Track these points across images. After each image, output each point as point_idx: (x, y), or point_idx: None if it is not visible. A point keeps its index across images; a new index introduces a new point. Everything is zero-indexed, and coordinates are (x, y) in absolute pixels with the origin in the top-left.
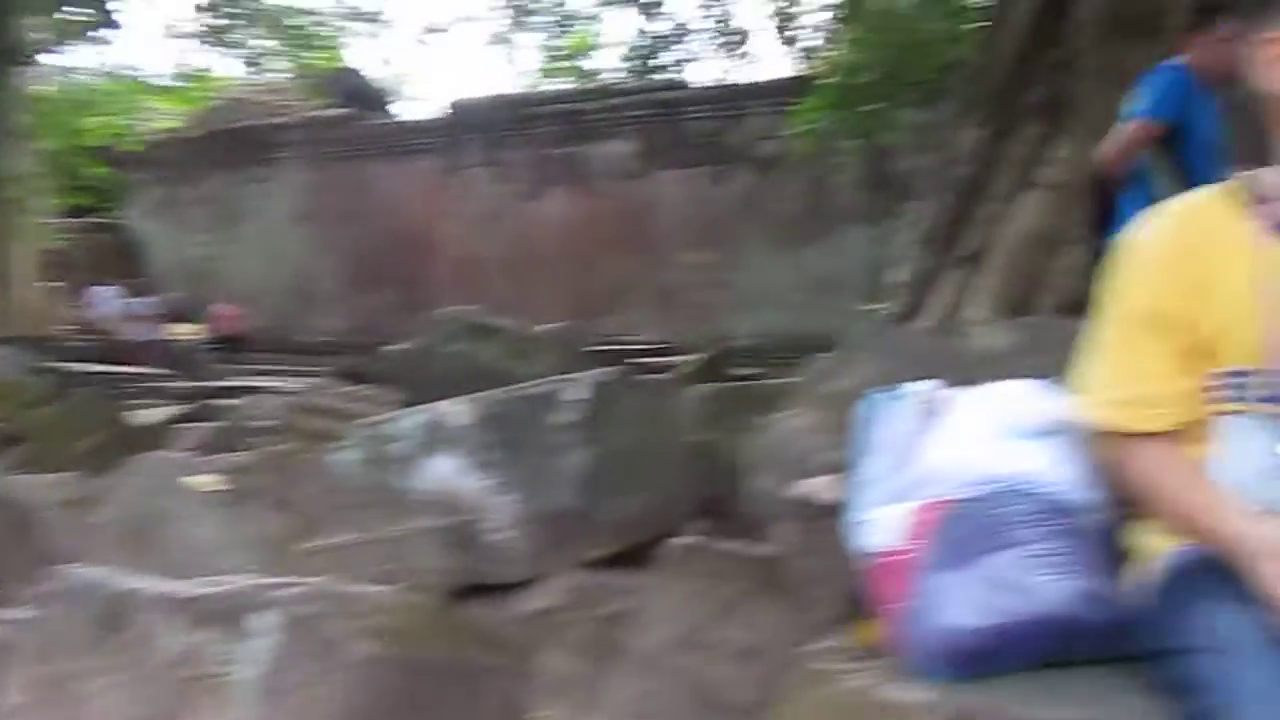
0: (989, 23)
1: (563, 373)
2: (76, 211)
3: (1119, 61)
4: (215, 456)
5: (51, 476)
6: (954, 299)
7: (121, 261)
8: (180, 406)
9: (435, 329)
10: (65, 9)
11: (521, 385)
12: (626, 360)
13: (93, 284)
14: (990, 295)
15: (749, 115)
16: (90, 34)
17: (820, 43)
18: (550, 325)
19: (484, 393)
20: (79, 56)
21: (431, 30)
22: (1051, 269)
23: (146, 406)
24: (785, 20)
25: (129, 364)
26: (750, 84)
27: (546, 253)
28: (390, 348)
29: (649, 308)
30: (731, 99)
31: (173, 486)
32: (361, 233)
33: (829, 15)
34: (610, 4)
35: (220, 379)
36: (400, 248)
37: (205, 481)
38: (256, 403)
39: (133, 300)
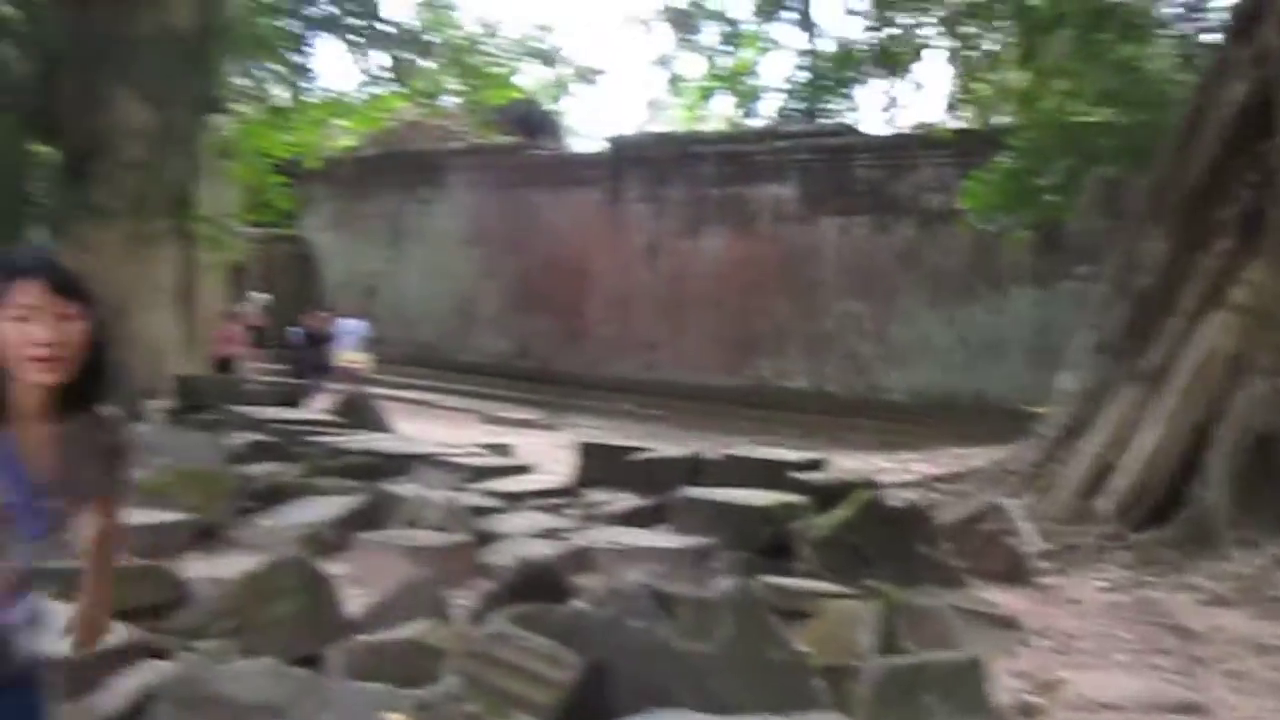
0: (1184, 125)
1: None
2: (256, 223)
3: None
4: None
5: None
6: (1129, 415)
7: (295, 272)
8: (351, 499)
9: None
10: (262, 65)
11: None
12: (782, 474)
13: (328, 313)
14: (1168, 418)
15: (917, 166)
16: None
17: (995, 100)
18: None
19: None
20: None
21: (595, 70)
22: (1235, 397)
23: (322, 492)
24: (967, 73)
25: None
26: (920, 134)
27: (701, 291)
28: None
29: (801, 355)
30: (899, 148)
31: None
32: (523, 258)
33: (1004, 78)
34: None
35: (386, 429)
36: (559, 275)
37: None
38: (423, 501)
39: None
